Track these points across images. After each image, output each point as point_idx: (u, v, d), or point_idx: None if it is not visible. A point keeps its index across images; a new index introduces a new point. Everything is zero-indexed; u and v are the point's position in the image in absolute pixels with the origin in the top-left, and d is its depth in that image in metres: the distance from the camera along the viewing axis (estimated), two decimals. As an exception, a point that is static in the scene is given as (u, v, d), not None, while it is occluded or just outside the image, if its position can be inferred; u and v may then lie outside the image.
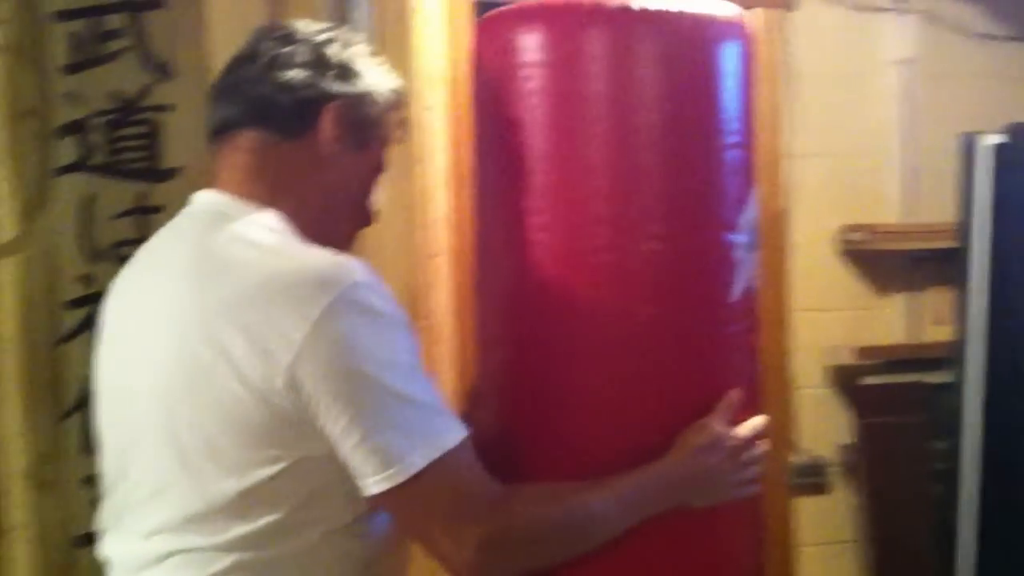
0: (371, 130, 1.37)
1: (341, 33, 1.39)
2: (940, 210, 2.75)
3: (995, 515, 2.43)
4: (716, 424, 1.40)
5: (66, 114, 2.41)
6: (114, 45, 2.42)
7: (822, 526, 2.81)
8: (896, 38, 2.91)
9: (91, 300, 2.35)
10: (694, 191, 1.43)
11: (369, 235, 2.39)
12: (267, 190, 1.31)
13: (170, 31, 2.44)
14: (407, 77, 2.23)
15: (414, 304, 2.29)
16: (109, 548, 1.35)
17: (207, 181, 1.38)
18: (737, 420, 1.43)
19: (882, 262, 2.87)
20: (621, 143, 1.40)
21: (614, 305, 1.40)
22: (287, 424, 1.19)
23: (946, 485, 2.55)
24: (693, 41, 1.43)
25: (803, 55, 2.82)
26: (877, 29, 2.90)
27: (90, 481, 2.07)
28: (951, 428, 2.53)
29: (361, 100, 1.35)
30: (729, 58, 1.45)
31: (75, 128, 2.42)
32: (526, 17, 1.44)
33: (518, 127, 1.42)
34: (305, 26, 1.38)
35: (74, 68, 2.42)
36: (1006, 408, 2.45)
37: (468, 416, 1.42)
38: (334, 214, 1.36)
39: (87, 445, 2.14)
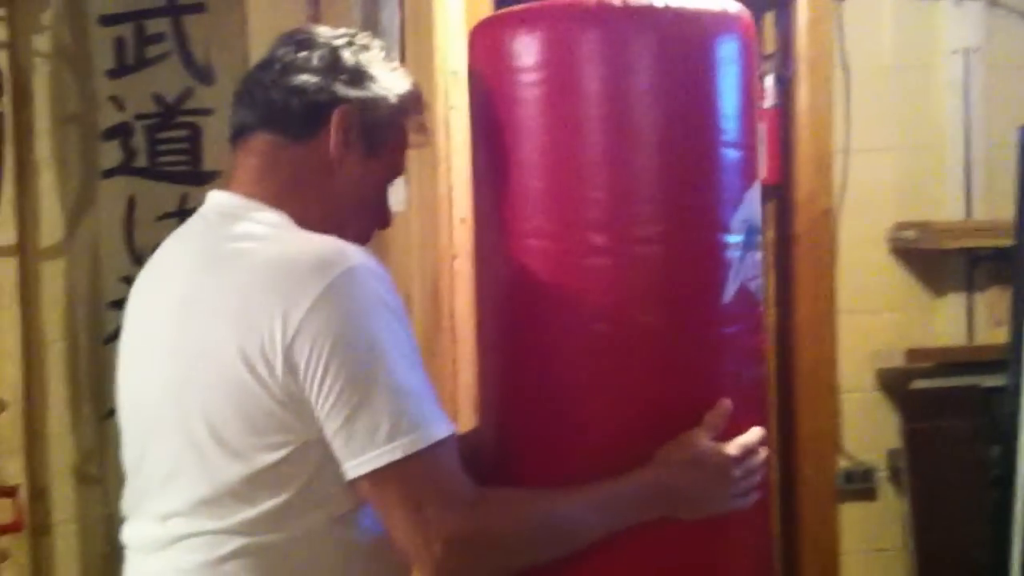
0: (383, 134, 1.38)
1: (360, 38, 1.40)
2: (1002, 207, 2.65)
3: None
4: (700, 439, 1.38)
5: (110, 118, 2.48)
6: (157, 49, 2.49)
7: (868, 533, 2.74)
8: (957, 26, 2.77)
9: (132, 301, 2.42)
10: (688, 192, 1.41)
11: (395, 236, 2.41)
12: (275, 191, 1.34)
13: (211, 35, 2.49)
14: (431, 76, 2.23)
15: (438, 304, 2.30)
16: (128, 532, 1.40)
17: (223, 183, 1.42)
18: (733, 427, 1.41)
19: (937, 261, 2.78)
20: (614, 145, 1.39)
21: (607, 308, 1.39)
22: (288, 408, 1.22)
23: (1000, 492, 2.48)
24: (687, 38, 1.41)
25: (857, 45, 2.72)
26: (937, 17, 2.77)
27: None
28: (1007, 433, 2.45)
29: (372, 104, 1.36)
30: (726, 54, 1.43)
31: (119, 132, 2.49)
32: (518, 20, 1.44)
33: (512, 131, 1.41)
34: (325, 31, 1.40)
35: (118, 72, 2.48)
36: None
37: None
38: (343, 216, 1.37)
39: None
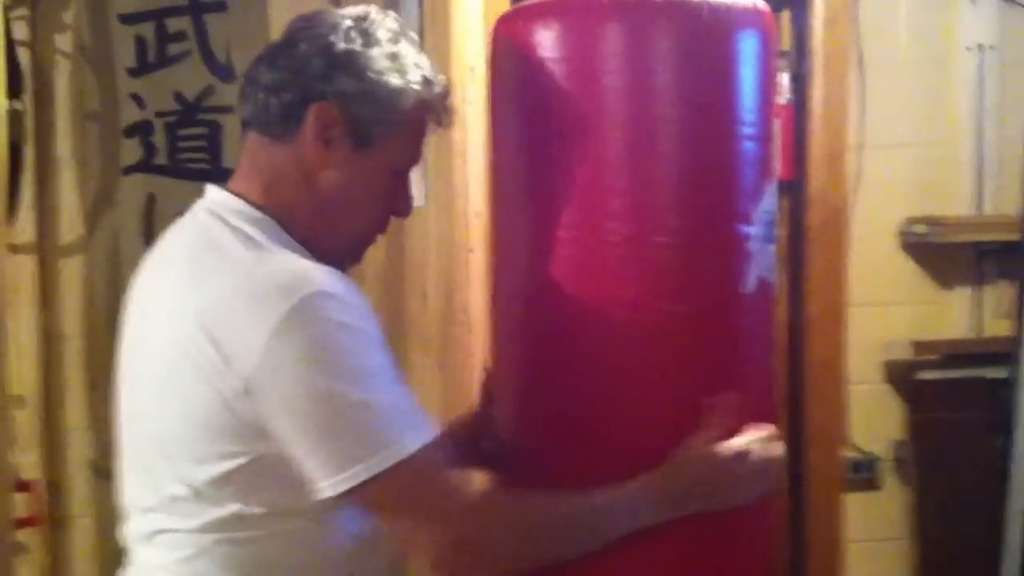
0: (374, 129, 1.32)
1: (369, 20, 1.34)
2: (1011, 202, 2.68)
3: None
4: (705, 438, 1.39)
5: (130, 116, 2.49)
6: (177, 48, 2.48)
7: (872, 522, 2.79)
8: (972, 23, 2.80)
9: (152, 298, 2.44)
10: (709, 183, 1.42)
11: (412, 230, 2.43)
12: (262, 190, 1.32)
13: (232, 34, 2.49)
14: (448, 71, 2.23)
15: (452, 298, 2.33)
16: (125, 526, 1.41)
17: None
18: (749, 415, 1.42)
19: (946, 255, 2.81)
20: (637, 136, 1.40)
21: (629, 297, 1.41)
22: (247, 425, 1.22)
23: (1001, 483, 2.54)
24: (710, 32, 1.41)
25: (872, 43, 2.73)
26: (952, 13, 2.79)
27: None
28: (1009, 424, 2.51)
29: (362, 96, 1.31)
30: (747, 48, 1.44)
31: (139, 129, 2.49)
32: (542, 13, 1.44)
33: (533, 123, 1.42)
34: (332, 15, 1.35)
35: (138, 71, 2.48)
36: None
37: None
38: (332, 215, 1.34)
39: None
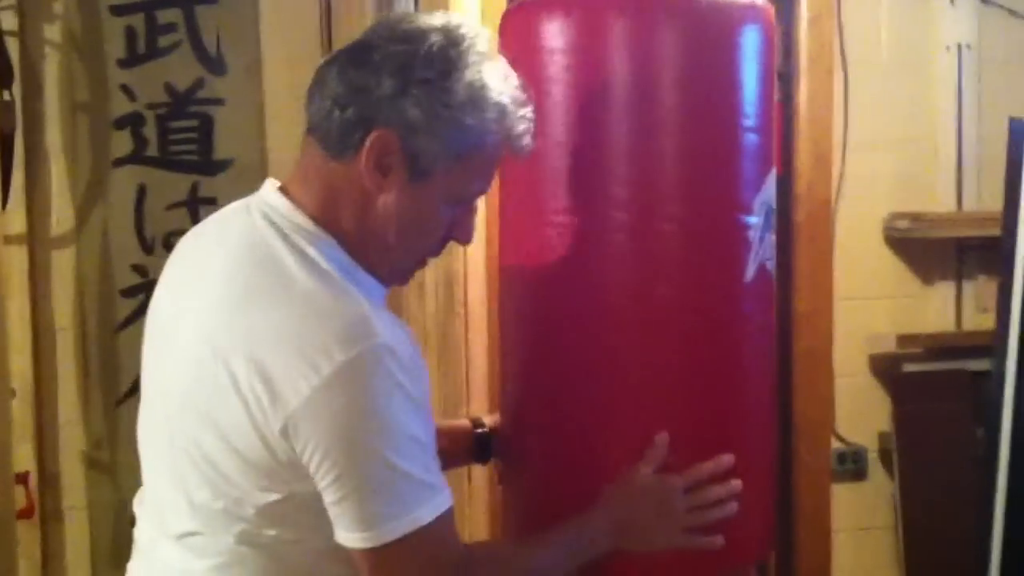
0: (434, 163, 1.25)
1: (451, 48, 1.25)
2: (993, 199, 2.72)
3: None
4: (642, 471, 1.42)
5: (121, 107, 2.48)
6: (168, 39, 2.48)
7: (859, 512, 2.83)
8: (951, 23, 2.85)
9: (145, 289, 2.44)
10: (711, 174, 1.46)
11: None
12: (319, 204, 1.28)
13: (223, 26, 2.49)
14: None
15: (452, 292, 2.34)
16: (142, 512, 1.40)
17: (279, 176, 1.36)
18: (748, 400, 1.47)
19: (928, 250, 2.86)
20: (640, 127, 1.44)
21: (632, 284, 1.44)
22: (280, 463, 1.21)
23: (984, 472, 2.56)
24: (714, 26, 1.46)
25: (855, 42, 2.77)
26: (932, 13, 2.84)
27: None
28: (991, 415, 2.53)
29: (427, 131, 1.24)
30: (749, 43, 1.48)
31: (129, 121, 2.48)
32: (550, 6, 1.47)
33: (539, 112, 1.42)
34: (415, 30, 1.26)
35: (129, 62, 2.47)
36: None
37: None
38: (385, 241, 1.29)
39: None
